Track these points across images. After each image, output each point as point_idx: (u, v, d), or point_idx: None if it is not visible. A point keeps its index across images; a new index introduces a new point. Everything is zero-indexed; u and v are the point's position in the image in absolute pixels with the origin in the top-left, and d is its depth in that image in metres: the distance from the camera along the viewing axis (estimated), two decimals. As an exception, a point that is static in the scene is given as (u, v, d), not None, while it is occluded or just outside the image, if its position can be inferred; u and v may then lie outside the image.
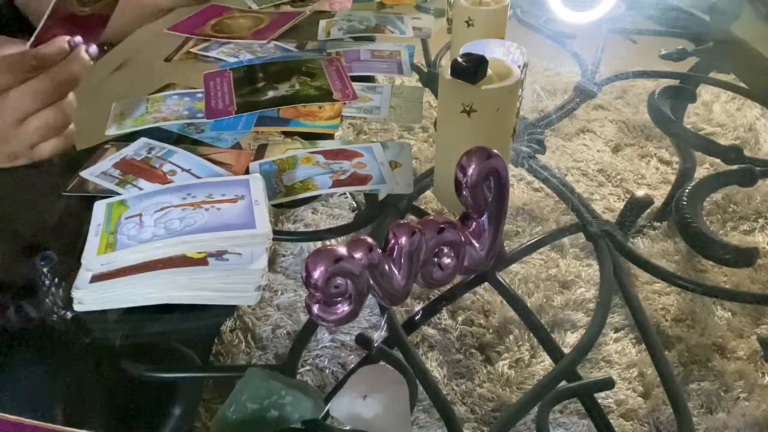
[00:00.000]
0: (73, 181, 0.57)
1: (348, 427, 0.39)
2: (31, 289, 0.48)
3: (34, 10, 0.75)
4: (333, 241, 0.58)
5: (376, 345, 0.47)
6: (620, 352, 1.05)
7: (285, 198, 0.55)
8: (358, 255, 0.40)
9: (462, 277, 0.51)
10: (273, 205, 0.55)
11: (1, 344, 0.51)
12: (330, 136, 0.64)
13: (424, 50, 0.89)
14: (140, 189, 0.55)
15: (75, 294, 0.46)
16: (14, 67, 0.53)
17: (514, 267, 1.17)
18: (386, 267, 0.42)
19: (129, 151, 0.60)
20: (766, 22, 0.91)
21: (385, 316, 0.49)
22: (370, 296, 0.43)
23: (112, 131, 0.64)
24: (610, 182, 1.41)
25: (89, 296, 0.46)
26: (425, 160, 1.42)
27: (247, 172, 0.58)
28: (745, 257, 0.55)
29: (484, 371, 1.03)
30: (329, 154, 0.59)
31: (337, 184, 0.56)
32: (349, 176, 0.57)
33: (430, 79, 0.79)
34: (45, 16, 0.56)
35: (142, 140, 0.62)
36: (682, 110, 1.02)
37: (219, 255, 0.48)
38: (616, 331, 1.09)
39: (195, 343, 0.64)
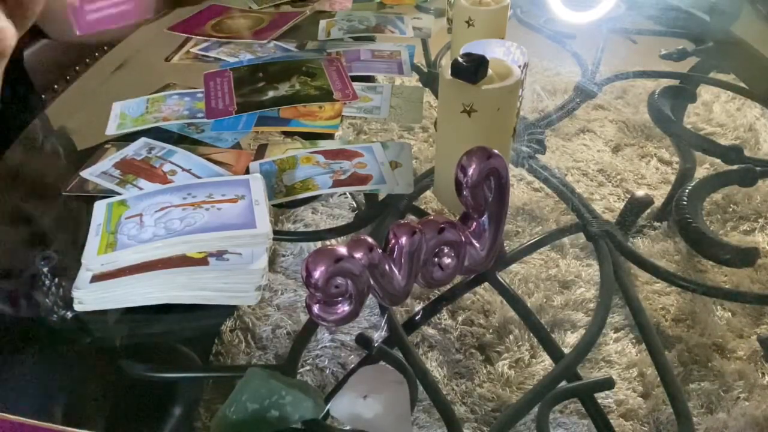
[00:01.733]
0: (74, 181, 0.57)
1: (348, 427, 0.39)
2: (32, 289, 0.48)
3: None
4: (333, 241, 0.58)
5: (376, 345, 0.47)
6: (620, 352, 1.05)
7: (285, 198, 0.55)
8: (358, 255, 0.40)
9: (462, 277, 0.51)
10: (273, 205, 0.55)
11: (2, 344, 0.51)
12: (330, 136, 0.64)
13: (424, 50, 0.89)
14: (140, 189, 0.55)
15: (75, 294, 0.46)
16: None
17: (514, 267, 1.17)
18: (386, 267, 0.42)
19: (129, 151, 0.60)
20: (766, 22, 0.91)
21: (385, 316, 0.49)
22: (370, 296, 0.43)
23: (112, 131, 0.64)
24: (610, 182, 1.41)
25: (89, 296, 0.46)
26: (425, 160, 1.42)
27: (247, 172, 0.58)
28: (745, 257, 0.55)
29: (484, 371, 1.03)
30: (329, 154, 0.59)
31: (337, 184, 0.56)
32: (350, 176, 0.57)
33: (430, 79, 0.79)
34: None
35: (143, 140, 0.62)
36: (682, 110, 1.02)
37: (219, 255, 0.48)
38: (616, 331, 1.09)
39: (195, 343, 0.64)
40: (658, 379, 0.49)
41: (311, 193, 0.56)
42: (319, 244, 0.87)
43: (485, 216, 0.45)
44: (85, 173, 0.58)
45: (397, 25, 0.85)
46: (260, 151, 0.62)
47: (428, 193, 0.61)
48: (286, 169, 0.58)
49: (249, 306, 1.11)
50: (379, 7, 0.91)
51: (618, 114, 1.62)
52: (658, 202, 1.30)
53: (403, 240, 0.41)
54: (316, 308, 0.42)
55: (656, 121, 0.75)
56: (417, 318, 0.54)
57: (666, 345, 1.06)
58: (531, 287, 1.15)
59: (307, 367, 1.02)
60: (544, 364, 1.03)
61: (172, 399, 0.60)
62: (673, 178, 1.37)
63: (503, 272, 0.55)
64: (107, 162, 0.59)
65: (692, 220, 0.57)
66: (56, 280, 0.47)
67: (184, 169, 0.57)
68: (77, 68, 0.86)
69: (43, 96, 0.81)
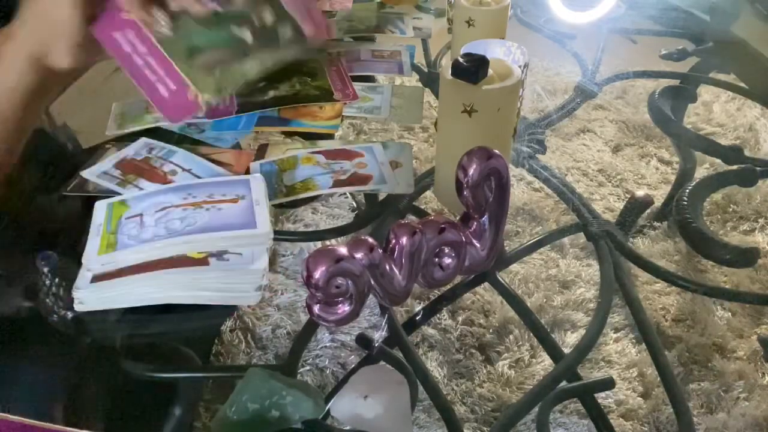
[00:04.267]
0: (74, 181, 0.57)
1: (348, 428, 0.39)
2: (32, 289, 0.48)
3: None
4: (333, 241, 0.58)
5: (376, 345, 0.47)
6: (620, 352, 1.05)
7: (285, 198, 0.55)
8: (358, 255, 0.40)
9: (462, 277, 0.51)
10: (273, 206, 0.55)
11: (2, 344, 0.51)
12: (330, 136, 0.64)
13: (424, 50, 0.89)
14: (141, 189, 0.55)
15: (76, 294, 0.46)
16: None
17: (514, 267, 1.17)
18: (387, 267, 0.42)
19: (129, 151, 0.60)
20: (766, 22, 0.91)
21: (386, 316, 0.49)
22: (370, 296, 0.43)
23: (113, 131, 0.63)
24: (610, 182, 1.41)
25: (90, 296, 0.46)
26: (425, 160, 1.42)
27: (247, 172, 0.58)
28: (745, 257, 0.55)
29: (484, 371, 1.03)
30: (330, 154, 0.59)
31: (337, 184, 0.56)
32: (350, 176, 0.57)
33: (430, 79, 0.79)
34: None
35: (143, 140, 0.62)
36: (682, 110, 1.02)
37: (220, 255, 0.48)
38: (616, 331, 1.09)
39: (195, 343, 0.64)
40: (658, 379, 0.49)
41: (311, 193, 0.56)
42: (319, 244, 0.87)
43: (485, 216, 0.45)
44: (85, 173, 0.58)
45: (397, 25, 0.85)
46: (261, 151, 0.62)
47: (428, 193, 0.62)
48: (287, 169, 0.58)
49: (249, 306, 1.11)
50: (379, 7, 0.91)
51: (618, 114, 1.62)
52: (658, 202, 1.30)
53: (404, 240, 0.41)
54: (316, 308, 0.42)
55: (656, 121, 0.75)
56: (417, 318, 0.54)
57: (666, 345, 1.06)
58: (531, 287, 1.15)
59: (307, 367, 1.02)
60: (544, 364, 1.03)
61: (172, 399, 0.60)
62: (673, 178, 1.37)
63: (503, 272, 0.55)
64: (108, 162, 0.59)
65: (692, 220, 0.57)
66: (56, 280, 0.47)
67: (184, 170, 0.57)
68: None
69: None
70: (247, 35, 0.51)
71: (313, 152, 0.60)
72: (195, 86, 0.49)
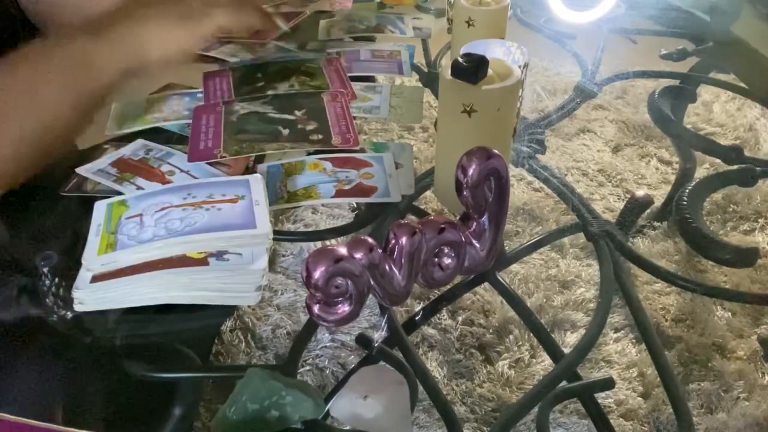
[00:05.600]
0: (72, 181, 0.57)
1: (348, 428, 0.39)
2: (32, 289, 0.48)
3: (40, 11, 0.74)
4: (333, 241, 0.58)
5: (376, 345, 0.47)
6: (620, 352, 1.05)
7: (286, 204, 0.55)
8: (358, 255, 0.40)
9: (462, 277, 0.51)
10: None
11: (2, 344, 0.51)
12: None
13: (424, 50, 0.89)
14: (138, 187, 0.55)
15: (75, 294, 0.46)
16: None
17: (514, 267, 1.18)
18: (387, 267, 0.42)
19: (126, 151, 0.60)
20: (766, 22, 0.91)
21: (386, 316, 0.49)
22: (370, 296, 0.43)
23: (112, 132, 0.63)
24: (610, 182, 1.41)
25: (90, 296, 0.46)
26: (425, 160, 1.42)
27: (247, 172, 0.58)
28: (745, 257, 0.55)
29: (484, 371, 1.03)
30: (338, 162, 0.59)
31: (340, 194, 0.56)
32: (353, 187, 0.56)
33: (430, 79, 0.79)
34: None
35: (140, 141, 0.61)
36: (682, 110, 1.02)
37: (219, 255, 0.48)
38: (616, 331, 1.09)
39: (195, 343, 0.64)
40: (658, 379, 0.49)
41: (312, 201, 0.56)
42: (319, 244, 0.87)
43: (485, 216, 0.45)
44: (81, 170, 0.57)
45: (397, 25, 0.85)
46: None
47: (428, 193, 0.61)
48: (293, 174, 0.58)
49: (249, 306, 1.11)
50: (379, 7, 0.91)
51: (618, 114, 1.62)
52: (658, 202, 1.30)
53: (404, 240, 0.41)
54: (316, 308, 0.42)
55: (656, 121, 0.74)
56: (417, 318, 0.54)
57: (666, 345, 1.06)
58: (531, 287, 1.15)
59: (307, 367, 1.02)
60: (544, 364, 1.03)
61: (172, 399, 0.59)
62: (673, 178, 1.37)
63: (503, 272, 0.55)
64: (104, 160, 0.59)
65: (692, 220, 0.57)
66: (56, 280, 0.47)
67: (182, 170, 0.57)
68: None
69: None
70: (285, 132, 0.61)
71: (322, 158, 0.60)
72: (223, 148, 0.59)
